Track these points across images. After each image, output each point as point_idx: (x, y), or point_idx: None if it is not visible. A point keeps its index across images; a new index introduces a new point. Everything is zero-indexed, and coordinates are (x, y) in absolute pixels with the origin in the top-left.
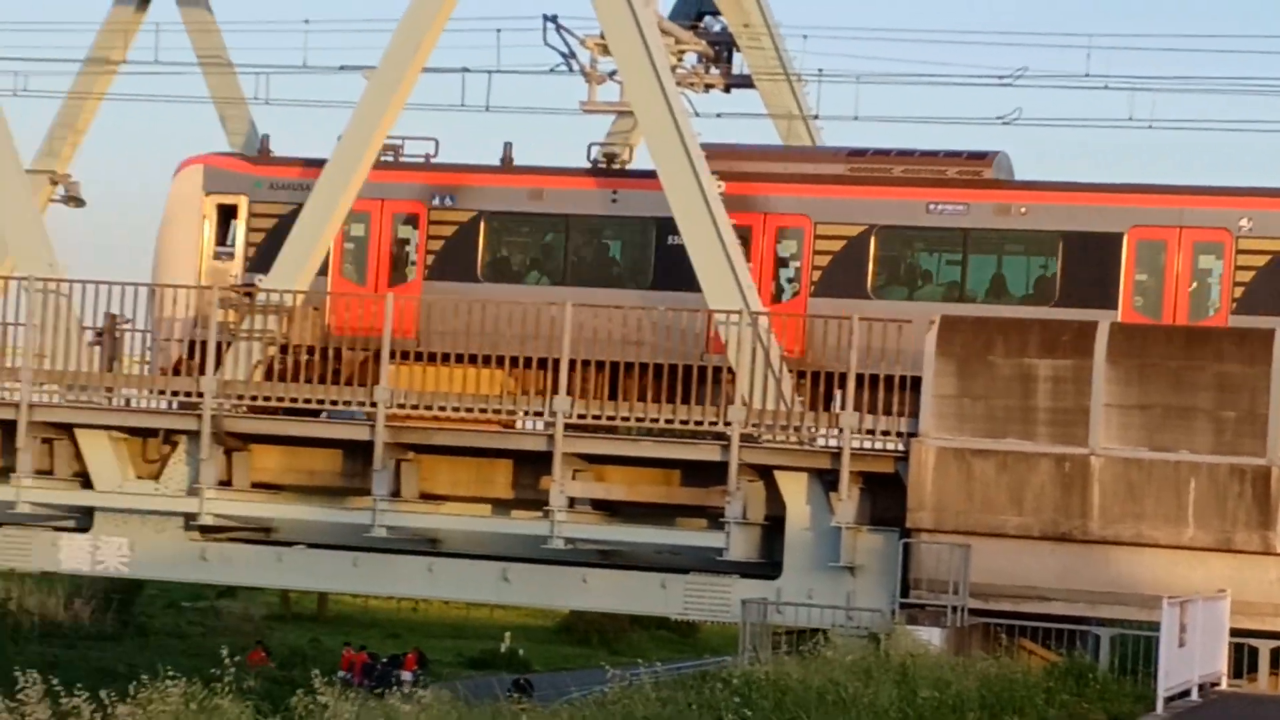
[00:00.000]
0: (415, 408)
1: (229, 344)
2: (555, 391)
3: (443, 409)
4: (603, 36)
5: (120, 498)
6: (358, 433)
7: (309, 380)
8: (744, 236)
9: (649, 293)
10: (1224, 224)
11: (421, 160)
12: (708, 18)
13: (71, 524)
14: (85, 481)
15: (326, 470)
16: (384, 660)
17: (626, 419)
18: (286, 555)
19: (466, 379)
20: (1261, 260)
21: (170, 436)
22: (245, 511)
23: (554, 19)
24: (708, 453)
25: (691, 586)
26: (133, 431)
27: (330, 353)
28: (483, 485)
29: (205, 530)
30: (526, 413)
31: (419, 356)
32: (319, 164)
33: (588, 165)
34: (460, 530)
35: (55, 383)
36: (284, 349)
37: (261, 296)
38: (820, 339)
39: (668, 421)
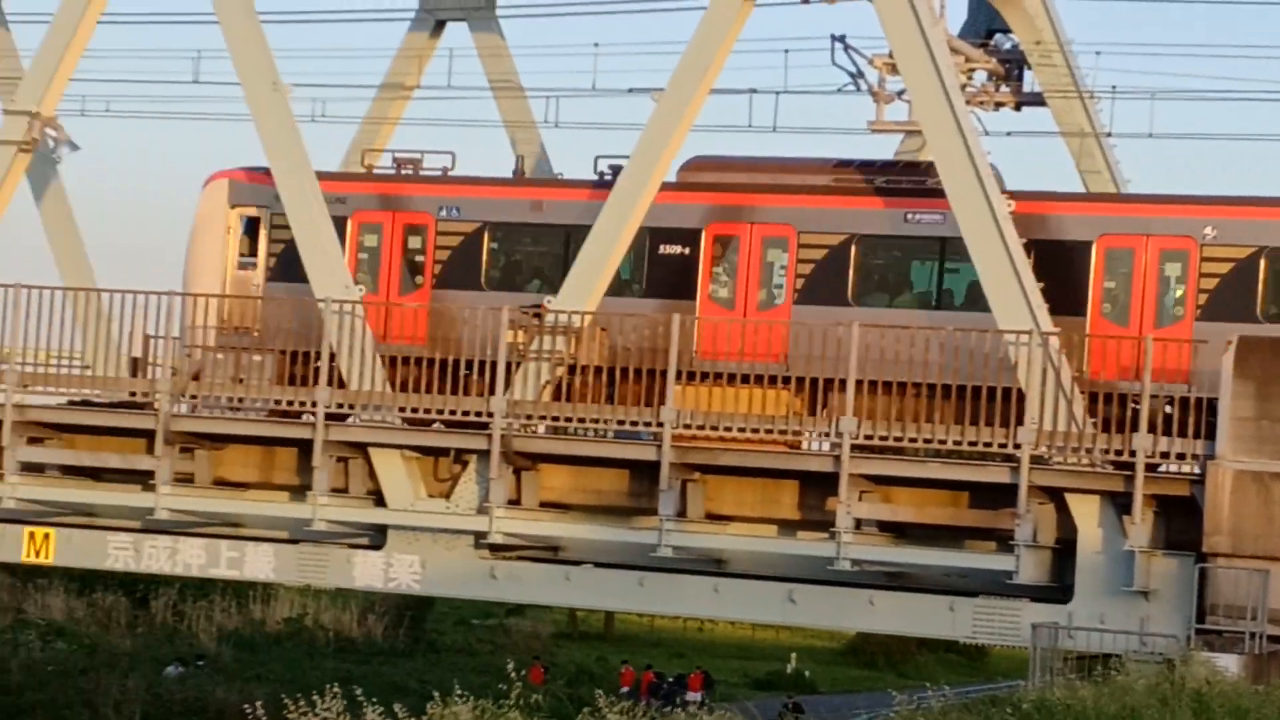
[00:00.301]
0: (701, 428)
1: (517, 364)
2: (842, 412)
3: (728, 429)
4: (891, 56)
5: (412, 516)
6: (644, 453)
7: (594, 400)
8: (731, 245)
9: (641, 300)
10: (1189, 232)
11: (438, 174)
12: (998, 35)
13: (365, 541)
14: (379, 500)
15: (613, 490)
16: (670, 680)
17: (914, 440)
18: (574, 574)
19: (752, 399)
20: (1225, 268)
21: (461, 456)
22: (534, 530)
23: (842, 39)
24: (996, 475)
25: (980, 610)
26: (424, 451)
27: (617, 373)
28: (768, 506)
29: (495, 548)
30: (813, 434)
31: (704, 376)
32: (330, 177)
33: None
34: (746, 551)
35: (350, 402)
36: (571, 369)
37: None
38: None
39: (955, 443)
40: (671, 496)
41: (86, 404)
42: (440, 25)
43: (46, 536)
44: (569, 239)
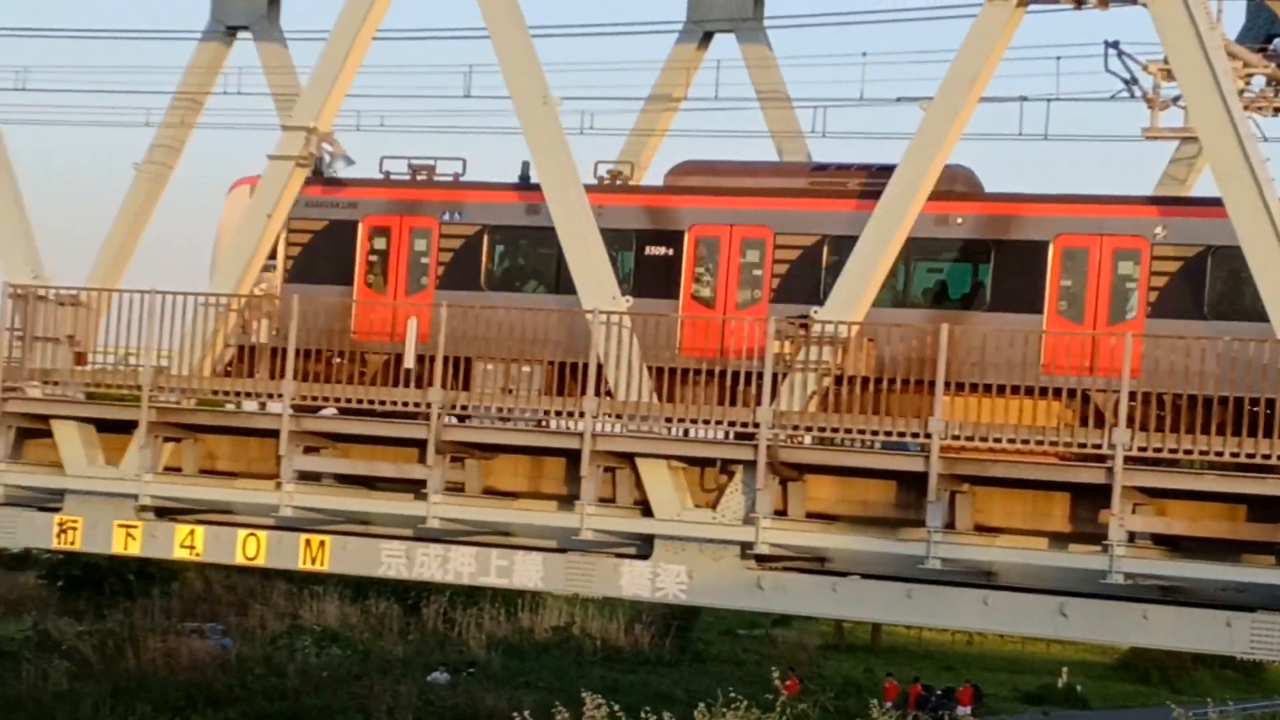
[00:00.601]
0: (970, 439)
1: (783, 376)
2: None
3: (998, 440)
4: (1166, 61)
5: (679, 525)
6: (912, 464)
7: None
8: (714, 246)
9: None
10: (1140, 232)
11: (449, 179)
12: (1277, 40)
13: (632, 551)
14: (645, 510)
15: (880, 501)
16: (938, 692)
17: (1189, 452)
18: (841, 585)
19: (1023, 410)
20: (1174, 266)
21: (727, 466)
22: (800, 541)
23: (1115, 44)
24: (1276, 488)
25: (1259, 625)
26: (691, 461)
27: (885, 383)
28: (1039, 518)
29: (761, 559)
30: (1081, 445)
31: (973, 387)
32: (346, 184)
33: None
34: (1016, 563)
35: (617, 413)
36: (838, 380)
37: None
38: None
39: (1233, 455)
40: (939, 508)
41: (360, 414)
42: (708, 37)
43: (322, 544)
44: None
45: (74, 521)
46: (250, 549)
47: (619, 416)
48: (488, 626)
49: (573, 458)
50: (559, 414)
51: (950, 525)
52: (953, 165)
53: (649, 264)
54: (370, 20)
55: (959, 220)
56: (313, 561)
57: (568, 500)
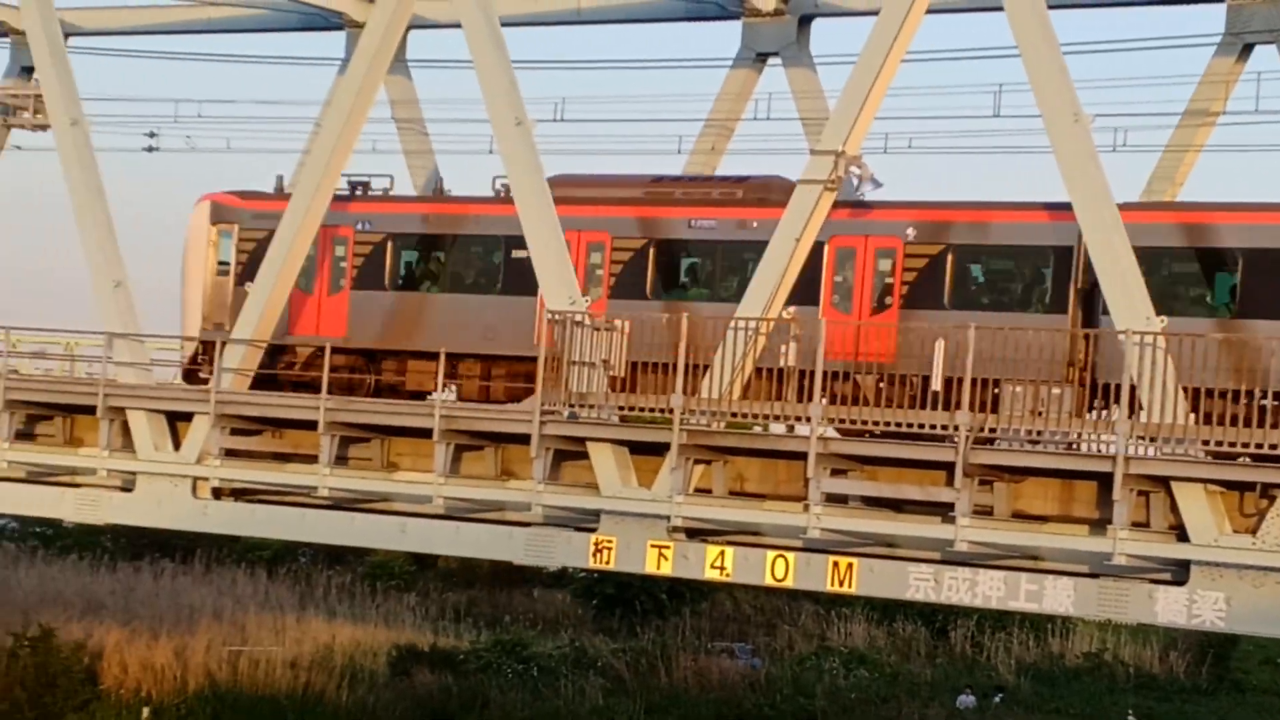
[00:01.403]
0: None
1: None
2: None
3: None
4: None
5: (1216, 551)
6: None
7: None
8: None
9: (500, 297)
10: (896, 233)
11: (379, 194)
12: None
13: (1166, 576)
14: (1180, 534)
15: None
16: None
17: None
18: None
19: None
20: (922, 263)
21: (1268, 490)
22: None
23: None
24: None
25: None
26: (1229, 485)
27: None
28: None
29: None
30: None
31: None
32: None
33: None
34: None
35: (1150, 435)
36: None
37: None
38: None
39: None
40: None
41: (891, 436)
42: (1248, 49)
43: (850, 566)
44: (453, 244)
45: (609, 541)
46: (779, 570)
47: (1152, 439)
48: (1016, 651)
49: (1104, 481)
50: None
51: None
52: (757, 175)
53: (516, 265)
54: (899, 43)
55: (754, 225)
56: (840, 583)
57: (1099, 524)
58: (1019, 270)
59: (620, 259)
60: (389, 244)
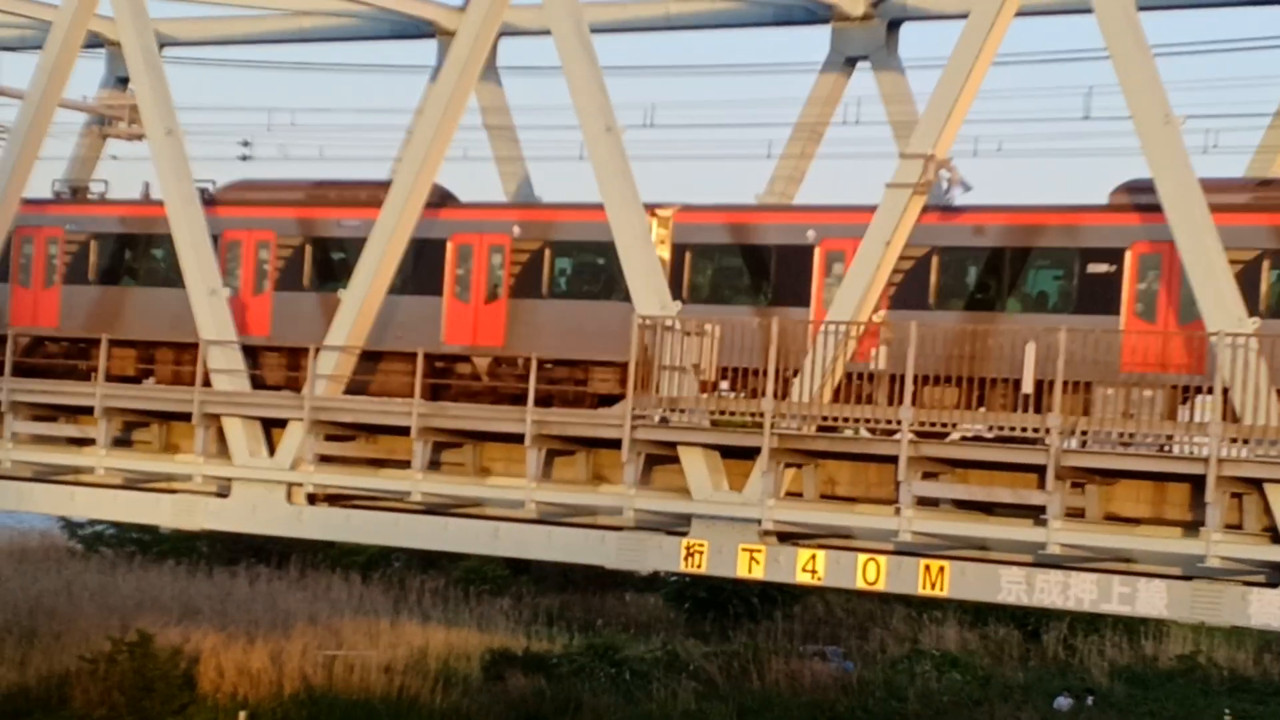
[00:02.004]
0: None
1: None
2: None
3: None
4: None
5: None
6: None
7: None
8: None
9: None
10: (504, 231)
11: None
12: None
13: (1261, 578)
14: (1275, 536)
15: None
16: None
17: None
18: None
19: None
20: (524, 257)
21: None
22: None
23: None
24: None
25: None
26: None
27: None
28: None
29: None
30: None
31: None
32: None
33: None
34: None
35: (1243, 437)
36: None
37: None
38: None
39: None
40: None
41: (978, 439)
42: None
43: (941, 569)
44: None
45: (700, 545)
46: (870, 574)
47: (1245, 441)
48: (1109, 654)
49: (1197, 483)
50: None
51: None
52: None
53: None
54: (988, 46)
55: (354, 224)
56: (932, 586)
57: (1192, 526)
58: (597, 263)
59: (283, 255)
60: (92, 243)
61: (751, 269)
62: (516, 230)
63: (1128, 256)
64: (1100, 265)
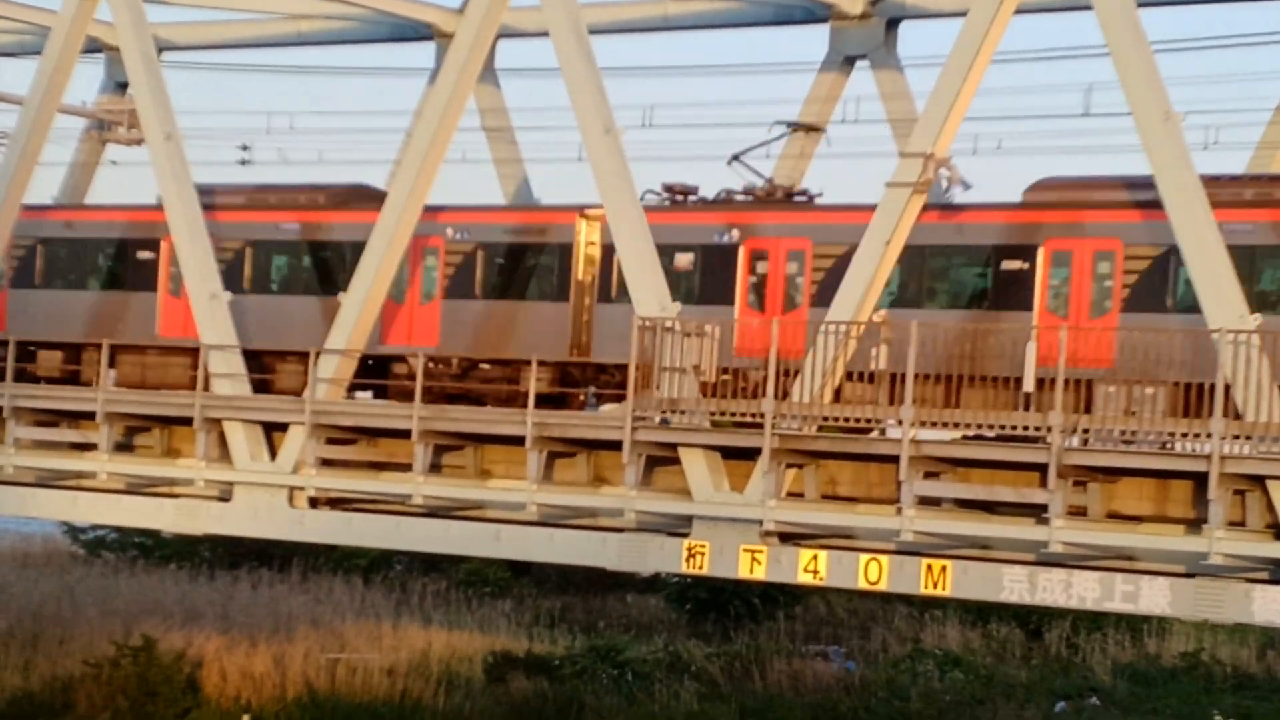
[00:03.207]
0: None
1: None
2: None
3: None
4: None
5: None
6: None
7: None
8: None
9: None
10: (438, 233)
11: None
12: None
13: (1264, 575)
14: (1277, 533)
15: None
16: None
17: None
18: None
19: None
20: (459, 258)
21: None
22: None
23: None
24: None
25: None
26: None
27: None
28: None
29: None
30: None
31: None
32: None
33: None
34: None
35: (1246, 434)
36: None
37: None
38: None
39: None
40: None
41: (979, 439)
42: None
43: (943, 569)
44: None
45: (702, 546)
46: (872, 573)
47: (1248, 438)
48: (1112, 652)
49: (1199, 480)
50: (1184, 436)
51: None
52: (336, 184)
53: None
54: (987, 44)
55: (294, 227)
56: (934, 586)
57: (1195, 524)
58: (527, 263)
59: (223, 258)
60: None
61: (682, 268)
62: (450, 232)
63: (1040, 254)
64: (1014, 262)
